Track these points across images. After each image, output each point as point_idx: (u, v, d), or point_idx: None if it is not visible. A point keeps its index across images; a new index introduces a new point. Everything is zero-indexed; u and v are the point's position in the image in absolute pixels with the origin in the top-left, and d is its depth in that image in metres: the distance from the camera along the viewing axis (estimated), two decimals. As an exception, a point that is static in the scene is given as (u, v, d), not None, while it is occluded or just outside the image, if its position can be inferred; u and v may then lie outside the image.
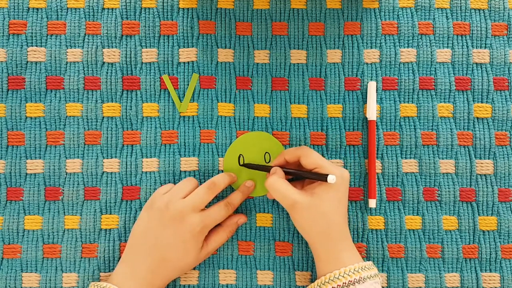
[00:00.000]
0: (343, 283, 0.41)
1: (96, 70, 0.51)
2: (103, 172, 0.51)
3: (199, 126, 0.51)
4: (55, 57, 0.51)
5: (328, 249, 0.44)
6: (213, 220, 0.46)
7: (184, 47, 0.52)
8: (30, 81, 0.51)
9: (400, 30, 0.52)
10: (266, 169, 0.48)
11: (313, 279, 0.50)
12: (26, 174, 0.50)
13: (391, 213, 0.50)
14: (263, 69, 0.52)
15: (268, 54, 0.52)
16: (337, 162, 0.51)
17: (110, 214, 0.50)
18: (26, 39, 0.51)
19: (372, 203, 0.49)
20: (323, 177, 0.42)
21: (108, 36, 0.52)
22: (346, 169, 0.50)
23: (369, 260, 0.49)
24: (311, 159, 0.45)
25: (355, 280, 0.41)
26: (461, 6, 0.52)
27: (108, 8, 0.52)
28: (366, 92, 0.51)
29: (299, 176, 0.46)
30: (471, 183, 0.50)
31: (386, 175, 0.51)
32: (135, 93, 0.51)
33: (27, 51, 0.51)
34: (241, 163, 0.50)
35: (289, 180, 0.47)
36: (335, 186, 0.44)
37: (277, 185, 0.44)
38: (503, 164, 0.51)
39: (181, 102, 0.51)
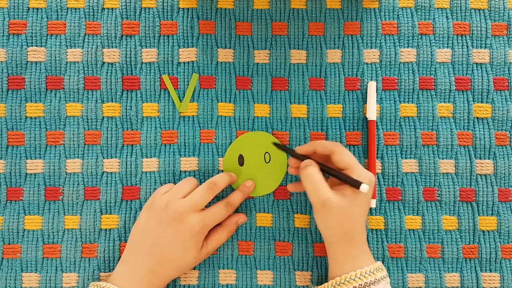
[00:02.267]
0: (359, 284, 0.41)
1: (96, 70, 0.51)
2: (103, 172, 0.51)
3: (199, 126, 0.51)
4: (55, 57, 0.51)
5: (348, 251, 0.43)
6: (213, 219, 0.46)
7: (184, 47, 0.52)
8: (30, 81, 0.51)
9: (400, 30, 0.52)
10: (294, 154, 0.46)
11: (313, 279, 0.50)
12: (26, 174, 0.50)
13: (391, 213, 0.50)
14: (263, 69, 0.52)
15: (268, 54, 0.52)
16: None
17: (110, 214, 0.50)
18: (26, 39, 0.51)
19: (372, 203, 0.49)
20: (356, 184, 0.42)
21: (108, 36, 0.52)
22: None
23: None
24: (344, 157, 0.44)
25: (371, 282, 0.41)
26: (461, 6, 0.52)
27: (108, 8, 0.52)
28: (366, 92, 0.51)
29: (332, 174, 0.44)
30: (471, 183, 0.50)
31: (386, 175, 0.51)
32: (135, 93, 0.51)
33: (27, 51, 0.51)
34: (241, 163, 0.50)
35: None
36: (366, 192, 0.43)
37: (316, 178, 0.43)
38: (503, 164, 0.51)
39: (181, 102, 0.51)
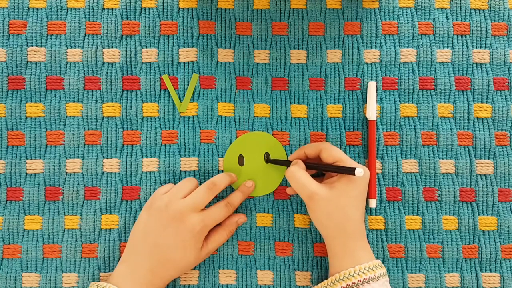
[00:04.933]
0: (358, 280, 0.41)
1: (96, 70, 0.51)
2: (103, 172, 0.51)
3: (199, 126, 0.51)
4: (55, 57, 0.51)
5: (344, 246, 0.44)
6: (213, 219, 0.46)
7: (184, 47, 0.52)
8: (30, 81, 0.51)
9: (400, 30, 0.52)
10: (288, 164, 0.48)
11: (313, 279, 0.50)
12: (26, 174, 0.50)
13: (391, 213, 0.50)
14: (263, 69, 0.52)
15: (268, 54, 0.52)
16: (337, 162, 0.51)
17: (110, 214, 0.50)
18: (26, 39, 0.51)
19: (372, 203, 0.49)
20: (350, 170, 0.42)
21: (108, 36, 0.52)
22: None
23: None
24: (332, 152, 0.45)
25: (370, 278, 0.42)
26: (461, 6, 0.52)
27: (108, 8, 0.52)
28: (366, 92, 0.51)
29: (323, 169, 0.46)
30: (471, 183, 0.50)
31: (386, 175, 0.51)
32: (135, 93, 0.51)
33: (27, 51, 0.51)
34: (241, 163, 0.50)
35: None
36: (355, 182, 0.44)
37: (298, 175, 0.45)
38: (503, 164, 0.51)
39: (181, 102, 0.51)
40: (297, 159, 0.48)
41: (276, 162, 0.50)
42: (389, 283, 0.49)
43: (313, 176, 0.48)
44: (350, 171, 0.42)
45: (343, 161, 0.45)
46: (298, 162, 0.46)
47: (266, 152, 0.51)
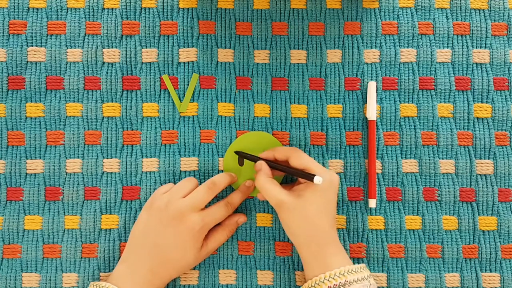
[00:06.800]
0: (328, 287, 0.41)
1: (96, 70, 0.51)
2: (103, 172, 0.51)
3: (199, 126, 0.51)
4: (55, 57, 0.51)
5: (314, 253, 0.43)
6: (213, 219, 0.46)
7: (184, 47, 0.52)
8: (30, 81, 0.51)
9: (400, 30, 0.52)
10: (255, 159, 0.48)
11: (313, 279, 0.50)
12: (26, 174, 0.50)
13: (391, 213, 0.50)
14: (263, 69, 0.52)
15: (268, 54, 0.52)
16: (337, 162, 0.51)
17: (110, 214, 0.50)
18: (26, 39, 0.51)
19: (372, 203, 0.49)
20: (309, 177, 0.42)
21: (108, 36, 0.52)
22: (346, 169, 0.50)
23: (368, 261, 0.49)
24: (301, 160, 0.45)
25: (341, 284, 0.41)
26: (461, 6, 0.52)
27: (108, 8, 0.52)
28: (366, 92, 0.51)
29: (285, 172, 0.46)
30: (471, 183, 0.50)
31: (386, 175, 0.51)
32: (135, 93, 0.51)
33: (27, 51, 0.51)
34: (241, 163, 0.50)
35: (280, 183, 0.47)
36: (322, 189, 0.44)
37: (267, 184, 0.44)
38: (503, 164, 0.51)
39: (181, 102, 0.51)
40: (266, 158, 0.47)
41: (246, 156, 0.49)
42: (388, 283, 0.49)
43: (285, 182, 0.48)
44: (309, 177, 0.42)
45: (311, 169, 0.44)
46: (262, 166, 0.46)
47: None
